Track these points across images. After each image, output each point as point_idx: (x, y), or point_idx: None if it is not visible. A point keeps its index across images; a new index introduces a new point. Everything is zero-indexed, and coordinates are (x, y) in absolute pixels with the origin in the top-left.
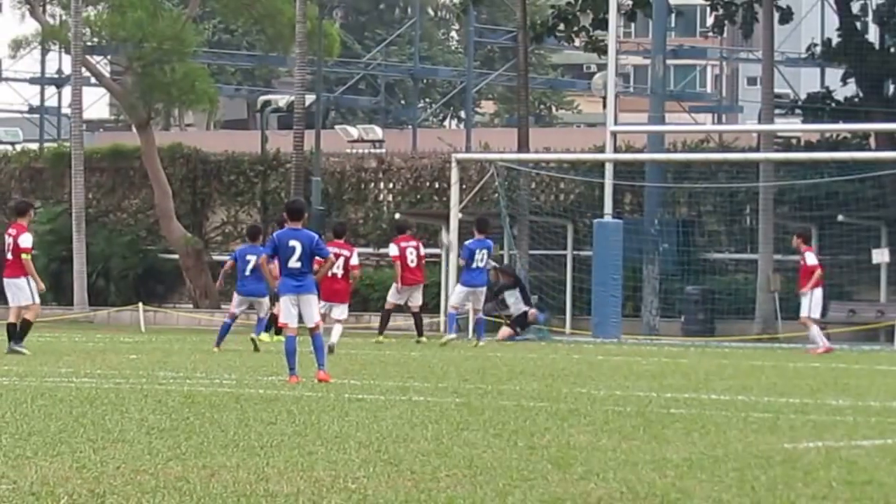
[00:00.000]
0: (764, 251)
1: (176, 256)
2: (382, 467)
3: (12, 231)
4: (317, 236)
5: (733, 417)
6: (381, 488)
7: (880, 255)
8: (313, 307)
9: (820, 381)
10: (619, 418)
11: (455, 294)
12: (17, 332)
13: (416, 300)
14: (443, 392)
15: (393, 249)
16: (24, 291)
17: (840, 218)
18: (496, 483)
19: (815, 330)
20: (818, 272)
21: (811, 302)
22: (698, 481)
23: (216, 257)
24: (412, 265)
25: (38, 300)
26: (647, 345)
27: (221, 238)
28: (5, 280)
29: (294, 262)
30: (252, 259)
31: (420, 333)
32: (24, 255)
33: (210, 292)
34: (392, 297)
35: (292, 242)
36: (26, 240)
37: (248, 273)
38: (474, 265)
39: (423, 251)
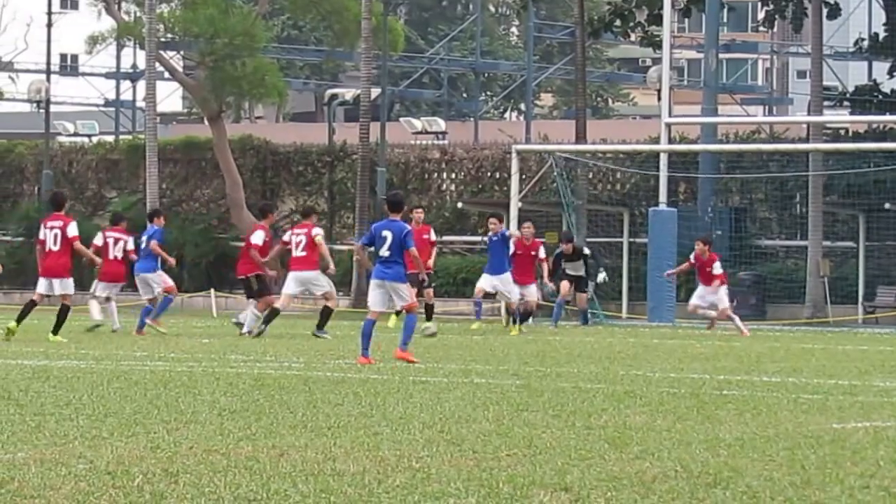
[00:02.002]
0: (813, 238)
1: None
2: (445, 447)
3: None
4: (408, 228)
5: (784, 399)
6: (443, 467)
7: None
8: (401, 293)
9: (868, 363)
10: (674, 399)
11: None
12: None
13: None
14: (503, 374)
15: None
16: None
17: (887, 206)
18: (555, 462)
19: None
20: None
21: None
22: (750, 460)
23: None
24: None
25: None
26: (700, 328)
27: (290, 226)
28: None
29: (384, 251)
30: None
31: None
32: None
33: (279, 278)
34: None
35: (384, 232)
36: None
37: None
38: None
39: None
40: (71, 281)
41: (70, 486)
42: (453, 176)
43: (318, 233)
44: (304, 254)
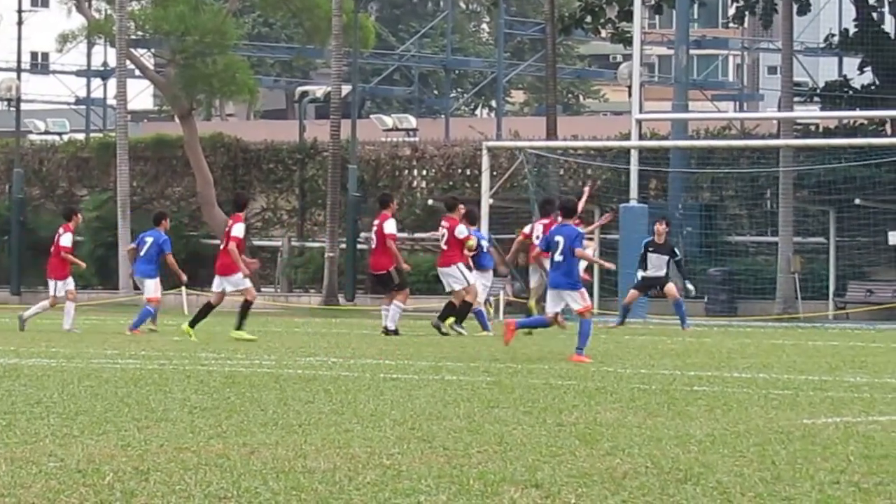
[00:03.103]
0: (784, 234)
1: (217, 242)
2: (416, 444)
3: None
4: (578, 231)
5: (754, 394)
6: (414, 464)
7: None
8: (575, 298)
9: (838, 359)
10: (645, 396)
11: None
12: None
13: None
14: (474, 371)
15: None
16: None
17: (857, 201)
18: (526, 459)
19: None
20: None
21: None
22: (720, 456)
23: (256, 242)
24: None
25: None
26: (671, 325)
27: (261, 224)
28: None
29: (557, 256)
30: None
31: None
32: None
33: (250, 276)
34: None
35: (557, 237)
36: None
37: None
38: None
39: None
40: (237, 277)
41: (41, 484)
42: (424, 173)
43: (462, 230)
44: (445, 248)
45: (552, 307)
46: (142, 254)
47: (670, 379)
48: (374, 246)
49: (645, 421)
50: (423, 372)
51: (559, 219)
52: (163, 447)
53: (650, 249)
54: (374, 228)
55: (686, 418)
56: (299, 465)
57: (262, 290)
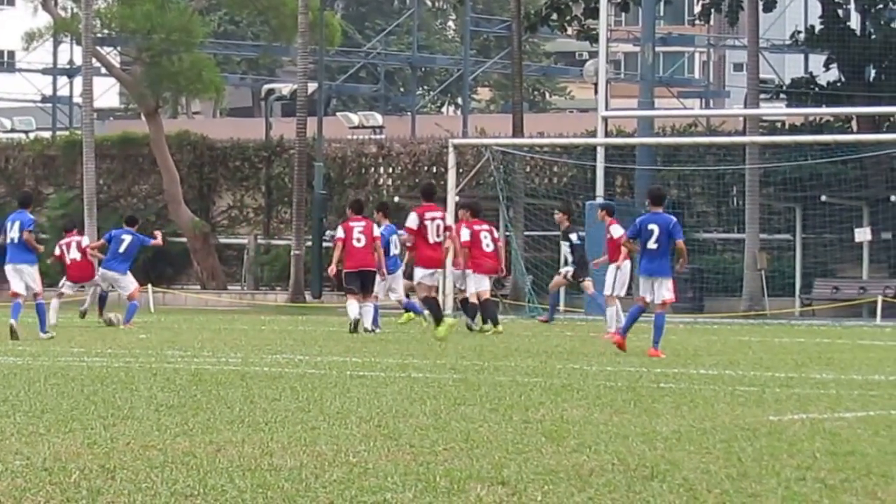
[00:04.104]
0: (750, 231)
1: (184, 240)
2: (382, 441)
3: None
4: (675, 219)
5: (721, 391)
6: (381, 462)
7: (862, 234)
8: (663, 287)
9: (805, 355)
10: (611, 393)
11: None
12: None
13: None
14: (441, 369)
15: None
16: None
17: (823, 198)
18: (492, 456)
19: (613, 310)
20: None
21: (616, 279)
22: (687, 453)
23: (222, 240)
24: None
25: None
26: (639, 322)
27: (227, 222)
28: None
29: (652, 244)
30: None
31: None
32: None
33: (216, 274)
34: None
35: (651, 226)
36: None
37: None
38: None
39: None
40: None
41: (6, 482)
42: (390, 170)
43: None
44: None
45: (644, 293)
46: (121, 251)
47: (636, 376)
48: (363, 244)
49: (611, 418)
50: (390, 369)
51: (650, 208)
52: (129, 445)
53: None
54: (363, 228)
55: (652, 415)
56: (266, 463)
57: (229, 287)
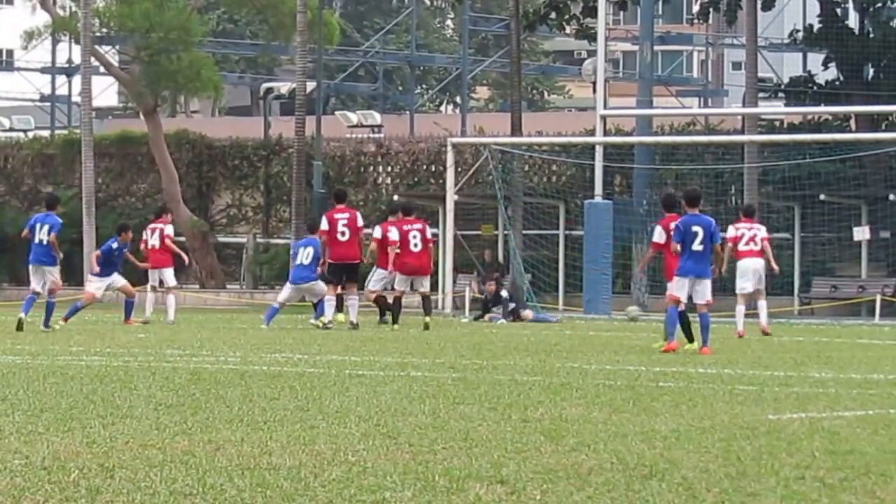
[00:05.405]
0: None
1: (182, 239)
2: (381, 440)
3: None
4: (714, 221)
5: (719, 390)
6: (380, 461)
7: (861, 233)
8: (706, 288)
9: (803, 354)
10: (610, 392)
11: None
12: None
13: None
14: (440, 367)
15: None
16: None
17: (822, 197)
18: (491, 455)
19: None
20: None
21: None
22: (686, 451)
23: (221, 239)
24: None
25: None
26: (641, 322)
27: (226, 221)
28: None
29: (697, 246)
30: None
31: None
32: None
33: (215, 273)
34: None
35: (695, 228)
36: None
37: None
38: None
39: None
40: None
41: (6, 481)
42: (389, 169)
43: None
44: None
45: (680, 292)
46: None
47: (635, 375)
48: (346, 238)
49: (610, 417)
50: (389, 368)
51: (686, 210)
52: (128, 444)
53: None
54: (347, 220)
55: (651, 414)
56: (264, 462)
57: (228, 286)
